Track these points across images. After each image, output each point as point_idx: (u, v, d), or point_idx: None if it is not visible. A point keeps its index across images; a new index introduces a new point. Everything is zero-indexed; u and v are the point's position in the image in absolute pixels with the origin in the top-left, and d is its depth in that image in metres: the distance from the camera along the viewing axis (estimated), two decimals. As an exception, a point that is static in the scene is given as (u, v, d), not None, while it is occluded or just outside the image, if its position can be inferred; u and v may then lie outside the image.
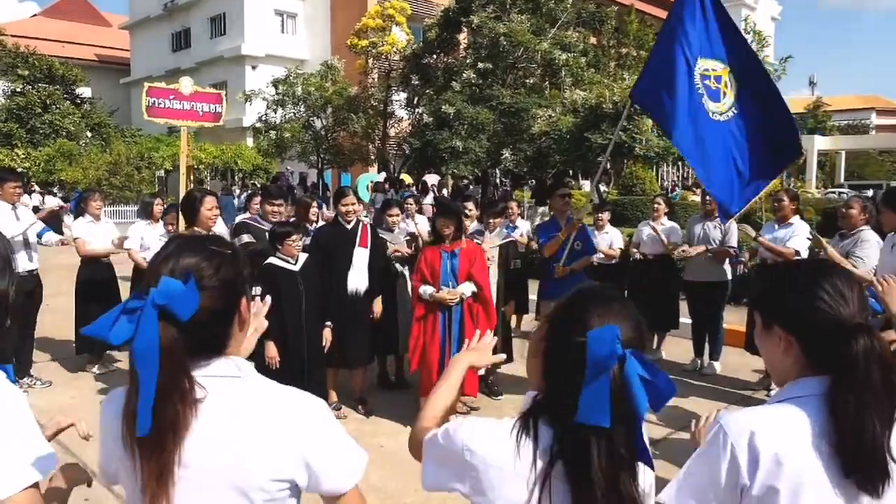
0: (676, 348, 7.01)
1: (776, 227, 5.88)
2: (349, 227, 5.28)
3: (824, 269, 1.36)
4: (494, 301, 5.43)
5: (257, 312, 1.44)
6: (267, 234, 5.14)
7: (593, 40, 23.19)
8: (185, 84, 5.47)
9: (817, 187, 32.51)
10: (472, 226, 5.96)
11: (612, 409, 1.11)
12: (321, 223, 6.45)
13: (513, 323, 7.06)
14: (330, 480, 1.25)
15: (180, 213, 5.19)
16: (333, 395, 5.29)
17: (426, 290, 4.90)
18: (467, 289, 4.88)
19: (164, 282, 1.16)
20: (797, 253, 5.57)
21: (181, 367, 1.16)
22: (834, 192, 28.45)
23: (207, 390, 1.20)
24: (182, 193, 5.31)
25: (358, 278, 5.25)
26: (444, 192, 16.13)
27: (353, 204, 5.32)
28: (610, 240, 7.11)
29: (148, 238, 6.35)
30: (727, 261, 6.44)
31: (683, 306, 6.89)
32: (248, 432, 1.20)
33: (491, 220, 5.95)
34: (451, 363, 1.61)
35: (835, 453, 1.23)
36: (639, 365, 1.14)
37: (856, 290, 1.31)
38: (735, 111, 5.04)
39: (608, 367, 1.12)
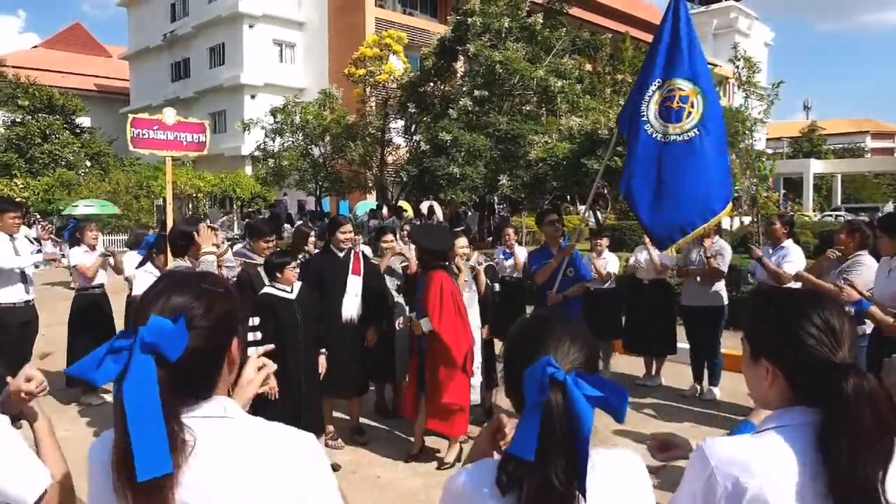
0: (675, 374, 6.97)
1: (770, 251, 5.92)
2: (341, 255, 5.29)
3: (814, 302, 1.32)
4: (478, 328, 5.39)
5: (259, 368, 1.50)
6: (258, 267, 5.13)
7: (589, 67, 23.44)
8: (169, 115, 5.49)
9: (814, 210, 32.68)
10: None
11: (549, 439, 1.12)
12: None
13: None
14: None
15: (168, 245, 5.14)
16: (330, 427, 5.25)
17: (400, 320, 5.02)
18: (424, 324, 4.72)
19: (154, 321, 1.14)
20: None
21: (170, 409, 1.13)
22: (830, 216, 28.59)
23: (196, 433, 1.17)
24: (170, 222, 5.28)
25: (352, 306, 5.25)
26: (435, 218, 16.16)
27: (350, 232, 5.35)
28: (605, 265, 7.09)
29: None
30: (724, 283, 6.45)
31: (682, 332, 6.87)
32: (237, 476, 1.17)
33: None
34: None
35: (826, 495, 1.20)
36: (585, 385, 1.15)
37: (847, 323, 1.28)
38: (697, 132, 5.01)
39: (542, 399, 1.14)
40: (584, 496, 1.14)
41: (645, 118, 5.08)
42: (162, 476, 1.09)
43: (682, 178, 4.96)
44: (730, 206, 5.18)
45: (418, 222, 15.07)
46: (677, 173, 4.96)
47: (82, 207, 21.83)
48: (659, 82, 5.07)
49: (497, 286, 6.03)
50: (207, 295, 1.25)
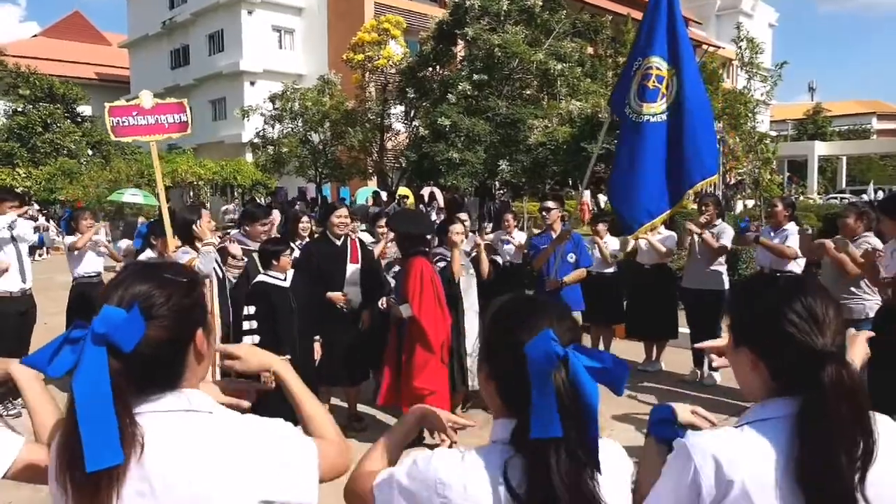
0: (676, 358, 6.93)
1: (772, 233, 5.88)
2: (339, 242, 5.23)
3: (797, 289, 1.27)
4: (476, 312, 5.33)
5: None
6: (252, 253, 5.10)
7: (589, 50, 23.22)
8: (146, 98, 5.32)
9: (818, 193, 32.50)
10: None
11: (563, 413, 1.09)
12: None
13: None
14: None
15: (169, 231, 5.09)
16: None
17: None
18: (404, 310, 4.67)
19: (104, 311, 1.11)
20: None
21: (122, 401, 1.09)
22: (835, 198, 28.43)
23: (152, 427, 1.13)
24: (165, 210, 5.18)
25: (351, 294, 5.21)
26: (435, 204, 16.08)
27: (345, 217, 5.29)
28: (606, 247, 7.03)
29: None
30: (725, 267, 6.39)
31: (682, 317, 6.82)
32: (202, 469, 1.13)
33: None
34: (411, 413, 1.53)
35: (801, 489, 1.16)
36: (584, 357, 1.12)
37: (831, 311, 1.23)
38: (665, 117, 4.98)
39: (551, 373, 1.10)
40: (599, 472, 1.12)
41: (627, 101, 5.08)
42: (107, 470, 1.05)
43: (651, 160, 4.98)
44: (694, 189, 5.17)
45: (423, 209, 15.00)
46: (647, 154, 4.99)
47: (128, 196, 21.64)
48: (640, 61, 5.05)
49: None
50: (168, 284, 1.21)
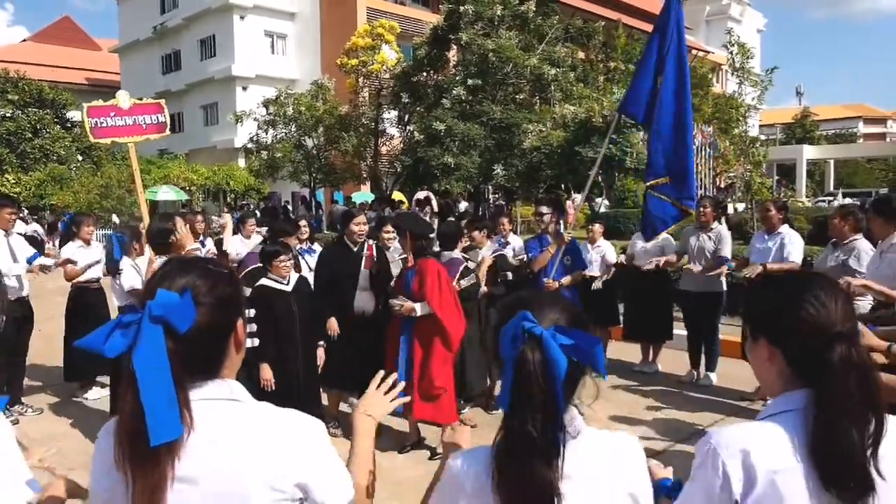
0: (673, 360, 6.99)
1: (766, 237, 5.91)
2: (355, 249, 5.26)
3: (809, 280, 1.34)
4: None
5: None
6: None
7: (581, 55, 23.38)
8: (123, 98, 5.30)
9: (807, 196, 32.78)
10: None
11: (525, 392, 1.16)
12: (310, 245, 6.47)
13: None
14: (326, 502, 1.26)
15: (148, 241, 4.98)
16: (332, 415, 5.26)
17: (391, 301, 4.89)
18: (420, 308, 4.64)
19: (161, 294, 1.17)
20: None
21: (179, 379, 1.15)
22: (824, 201, 28.71)
23: (202, 413, 1.18)
24: (145, 215, 5.14)
25: (365, 300, 5.22)
26: (429, 209, 16.09)
27: (364, 224, 5.33)
28: (602, 252, 7.08)
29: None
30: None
31: (679, 317, 6.88)
32: (246, 456, 1.19)
33: (473, 235, 6.00)
34: (354, 427, 1.58)
35: (814, 465, 1.21)
36: (559, 335, 1.18)
37: (840, 300, 1.29)
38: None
39: (515, 351, 1.18)
40: (557, 448, 1.17)
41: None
42: (167, 444, 1.11)
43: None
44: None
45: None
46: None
47: (161, 194, 21.62)
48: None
49: (510, 275, 6.03)
50: (211, 274, 1.28)
